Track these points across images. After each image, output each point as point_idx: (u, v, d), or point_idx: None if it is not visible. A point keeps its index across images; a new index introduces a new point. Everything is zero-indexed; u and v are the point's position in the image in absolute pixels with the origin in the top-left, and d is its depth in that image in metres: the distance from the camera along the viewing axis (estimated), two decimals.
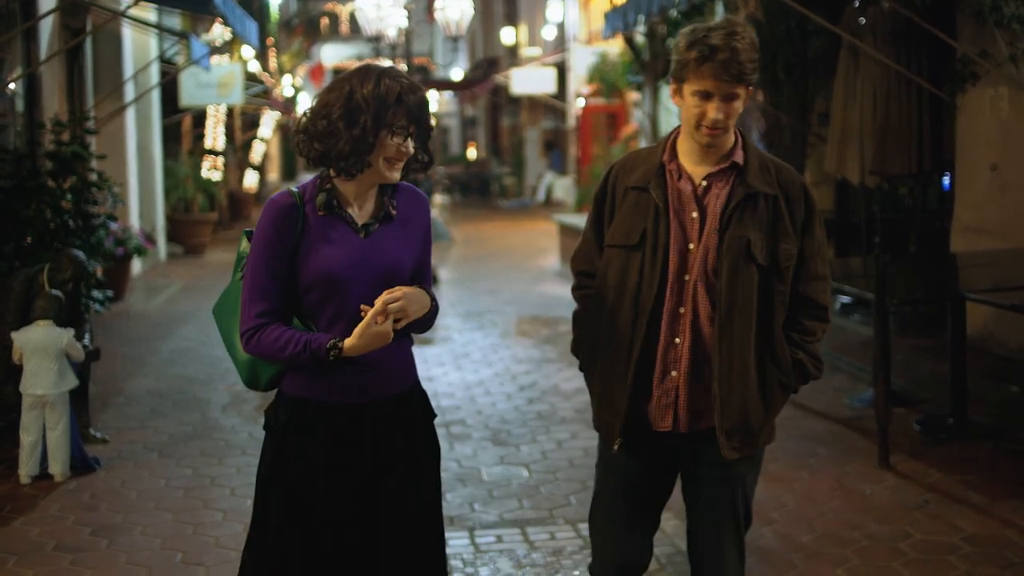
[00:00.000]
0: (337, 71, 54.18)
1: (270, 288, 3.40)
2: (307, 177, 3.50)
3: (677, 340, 3.55)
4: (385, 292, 3.34)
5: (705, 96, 3.44)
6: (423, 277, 3.60)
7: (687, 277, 3.53)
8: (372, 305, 3.32)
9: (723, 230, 3.51)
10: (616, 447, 3.65)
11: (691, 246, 3.54)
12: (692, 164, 3.59)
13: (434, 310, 3.57)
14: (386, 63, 3.52)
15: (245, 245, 3.60)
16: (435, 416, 3.68)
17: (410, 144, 3.40)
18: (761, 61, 3.53)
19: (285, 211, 3.39)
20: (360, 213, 3.47)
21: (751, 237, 3.49)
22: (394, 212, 3.50)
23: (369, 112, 3.31)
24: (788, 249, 3.55)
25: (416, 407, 3.62)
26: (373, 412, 3.48)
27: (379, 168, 3.39)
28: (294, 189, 3.45)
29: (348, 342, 3.34)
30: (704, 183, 3.57)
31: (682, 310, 3.54)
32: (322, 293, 3.40)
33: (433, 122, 3.53)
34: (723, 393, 3.51)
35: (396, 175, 3.43)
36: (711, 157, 3.57)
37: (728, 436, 3.53)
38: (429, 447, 3.64)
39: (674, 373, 3.56)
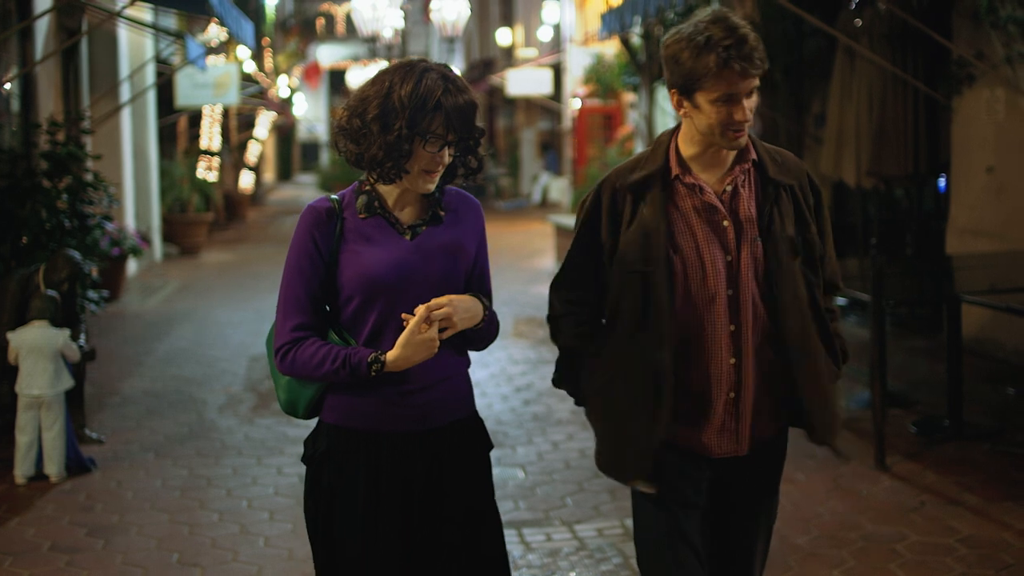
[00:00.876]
0: (333, 71, 54.35)
1: (306, 300, 3.17)
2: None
3: (732, 360, 3.30)
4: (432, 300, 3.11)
5: (728, 99, 3.20)
6: (480, 286, 3.34)
7: (731, 292, 3.29)
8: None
9: (765, 234, 3.30)
10: (648, 489, 3.37)
11: (729, 258, 3.29)
12: (702, 170, 3.34)
13: (489, 320, 3.30)
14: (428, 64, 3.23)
15: None
16: (492, 447, 3.41)
17: (446, 154, 3.13)
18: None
19: (322, 216, 3.17)
20: (404, 214, 3.22)
21: (788, 234, 3.31)
22: (443, 213, 3.25)
23: (405, 116, 3.05)
24: (813, 237, 3.38)
25: (473, 437, 3.34)
26: (426, 441, 3.22)
27: (415, 177, 3.13)
28: (334, 196, 3.23)
29: (391, 355, 3.08)
30: (728, 188, 3.33)
31: (732, 327, 3.29)
32: (364, 300, 3.15)
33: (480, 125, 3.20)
34: (813, 406, 3.44)
35: (431, 186, 3.16)
36: (722, 159, 3.34)
37: (821, 439, 3.56)
38: (486, 483, 3.35)
39: (732, 394, 3.33)
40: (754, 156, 3.36)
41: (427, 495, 3.22)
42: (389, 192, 3.20)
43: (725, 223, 3.30)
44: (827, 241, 3.48)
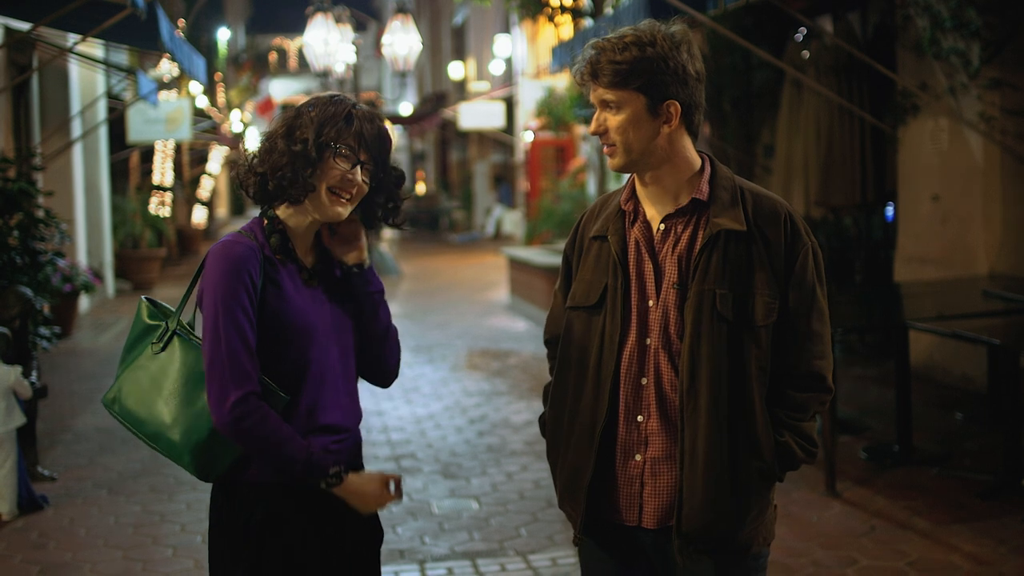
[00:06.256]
0: (286, 106, 54.40)
1: (253, 353, 2.84)
2: (256, 213, 3.10)
3: (640, 418, 2.92)
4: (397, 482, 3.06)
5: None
6: None
7: (648, 341, 2.91)
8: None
9: (684, 283, 2.88)
10: (577, 542, 3.06)
11: (651, 303, 2.92)
12: (649, 204, 2.98)
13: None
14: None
15: (148, 313, 3.06)
16: None
17: (358, 175, 2.91)
18: (672, 69, 2.84)
19: (251, 257, 2.86)
20: (308, 259, 3.03)
21: (717, 289, 2.84)
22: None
23: (312, 127, 2.88)
24: (766, 302, 2.87)
25: None
26: None
27: (322, 198, 2.90)
28: (243, 232, 2.95)
29: (352, 481, 2.95)
30: (662, 227, 2.94)
31: (644, 381, 2.92)
32: (300, 352, 2.92)
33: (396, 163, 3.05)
34: (686, 484, 2.86)
35: (340, 211, 2.92)
36: (667, 194, 2.94)
37: (687, 538, 2.87)
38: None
39: (638, 457, 2.93)
40: (701, 195, 2.93)
41: (350, 538, 3.08)
42: (298, 228, 2.98)
43: (649, 265, 2.95)
44: (805, 315, 2.93)
